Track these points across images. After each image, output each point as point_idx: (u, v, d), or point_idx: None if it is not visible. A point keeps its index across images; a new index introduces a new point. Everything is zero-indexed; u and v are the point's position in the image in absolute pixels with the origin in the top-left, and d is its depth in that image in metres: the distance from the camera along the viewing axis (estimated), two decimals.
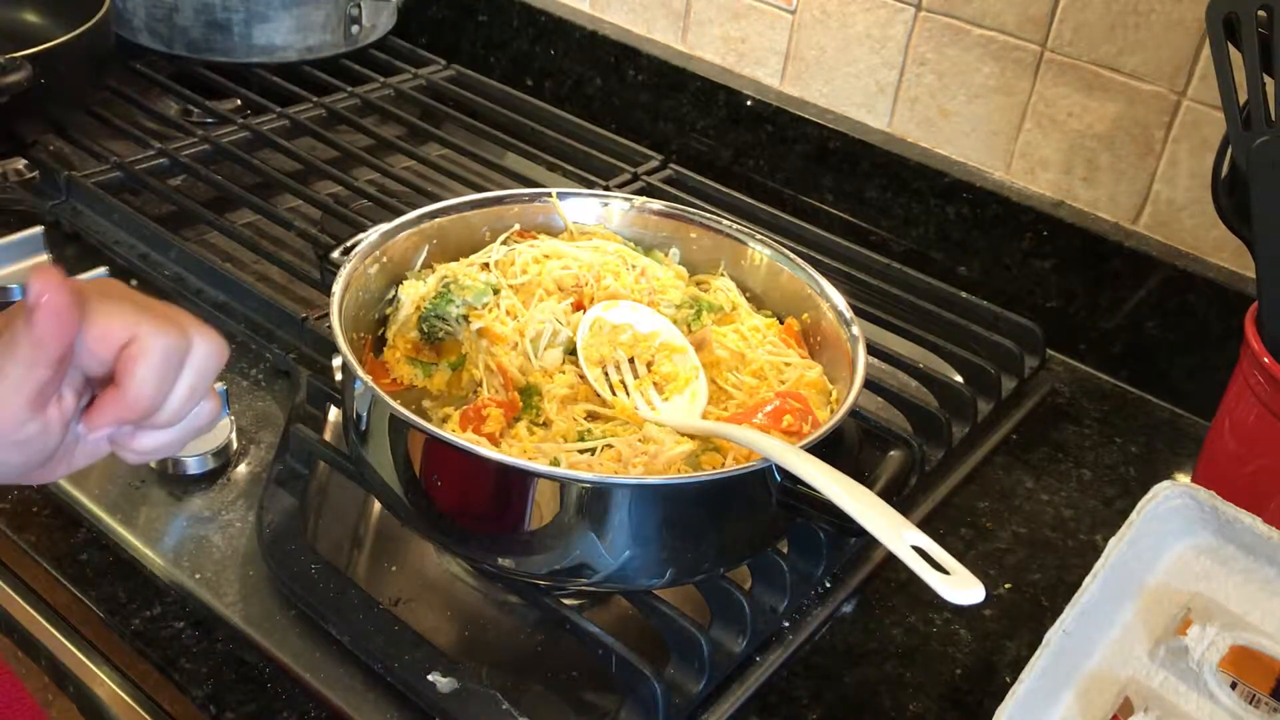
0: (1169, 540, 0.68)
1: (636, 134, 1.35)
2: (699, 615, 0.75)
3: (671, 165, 1.26)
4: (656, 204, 0.93)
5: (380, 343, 0.84)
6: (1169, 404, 1.07)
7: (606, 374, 0.80)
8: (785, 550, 0.81)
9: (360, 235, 0.84)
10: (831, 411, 0.78)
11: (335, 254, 0.83)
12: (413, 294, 0.84)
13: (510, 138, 1.28)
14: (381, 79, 1.36)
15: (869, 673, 0.77)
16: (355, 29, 1.37)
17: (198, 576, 0.77)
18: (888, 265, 1.12)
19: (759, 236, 0.91)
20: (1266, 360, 0.77)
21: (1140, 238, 1.09)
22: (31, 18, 1.27)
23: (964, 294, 1.09)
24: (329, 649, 0.73)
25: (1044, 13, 1.08)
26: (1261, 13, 0.75)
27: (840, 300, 0.84)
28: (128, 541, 0.79)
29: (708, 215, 0.93)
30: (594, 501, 0.68)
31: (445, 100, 1.36)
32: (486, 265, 0.86)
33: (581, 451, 0.73)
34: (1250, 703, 0.63)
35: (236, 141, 1.21)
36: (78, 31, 1.11)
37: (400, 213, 0.88)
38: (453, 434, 0.73)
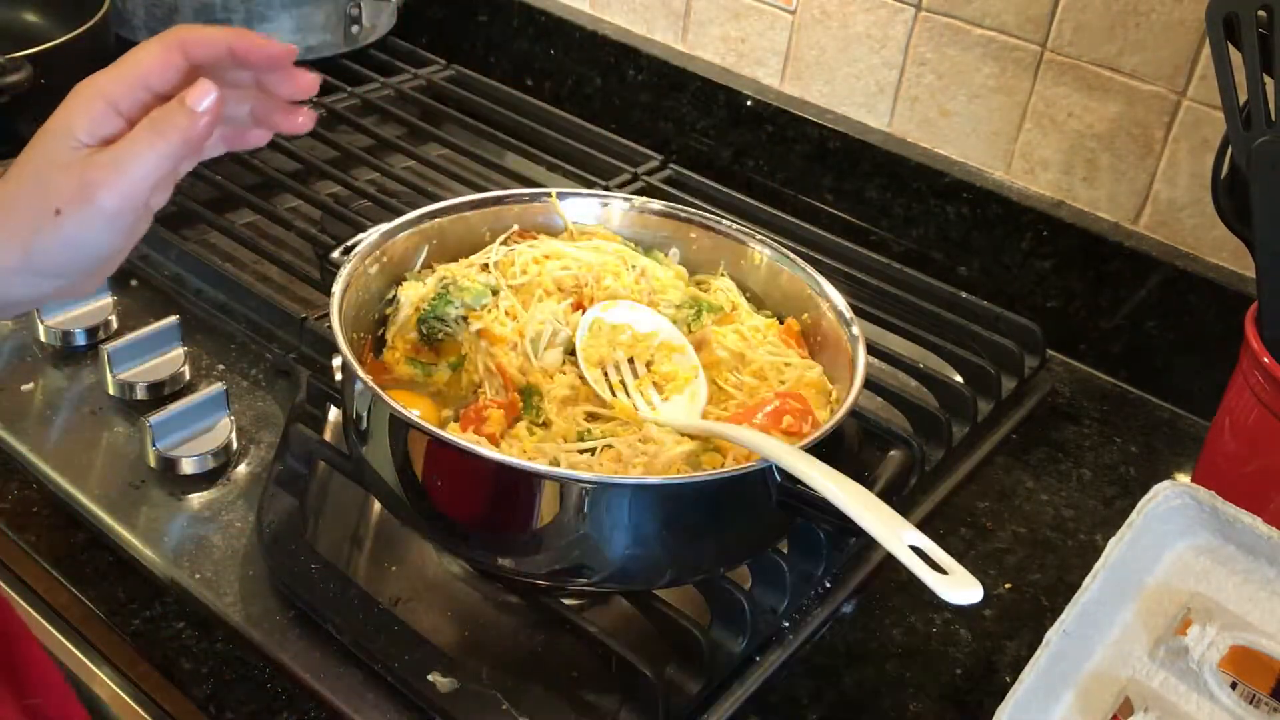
0: (1169, 540, 0.68)
1: (636, 134, 1.35)
2: (699, 615, 0.75)
3: (671, 165, 1.26)
4: (656, 204, 0.93)
5: (380, 343, 0.84)
6: (1169, 404, 1.07)
7: (606, 374, 0.80)
8: (785, 550, 0.81)
9: (360, 235, 0.84)
10: (831, 411, 0.78)
11: (335, 254, 0.83)
12: (411, 295, 0.84)
13: (510, 138, 1.28)
14: (381, 79, 1.36)
15: (869, 673, 0.77)
16: (355, 29, 1.37)
17: (198, 576, 0.77)
18: (888, 265, 1.12)
19: (759, 236, 0.91)
20: (1266, 360, 0.77)
21: (1140, 238, 1.09)
22: (31, 18, 1.27)
23: (964, 294, 1.09)
24: (329, 649, 0.73)
25: (1044, 13, 1.08)
26: (1261, 13, 0.75)
27: (840, 300, 0.84)
28: (128, 541, 0.79)
29: (708, 215, 0.93)
30: (594, 501, 0.68)
31: (445, 100, 1.36)
32: (486, 266, 0.86)
33: (581, 451, 0.73)
34: (1250, 703, 0.63)
35: None
36: (78, 31, 1.11)
37: (400, 213, 0.88)
38: (453, 434, 0.73)
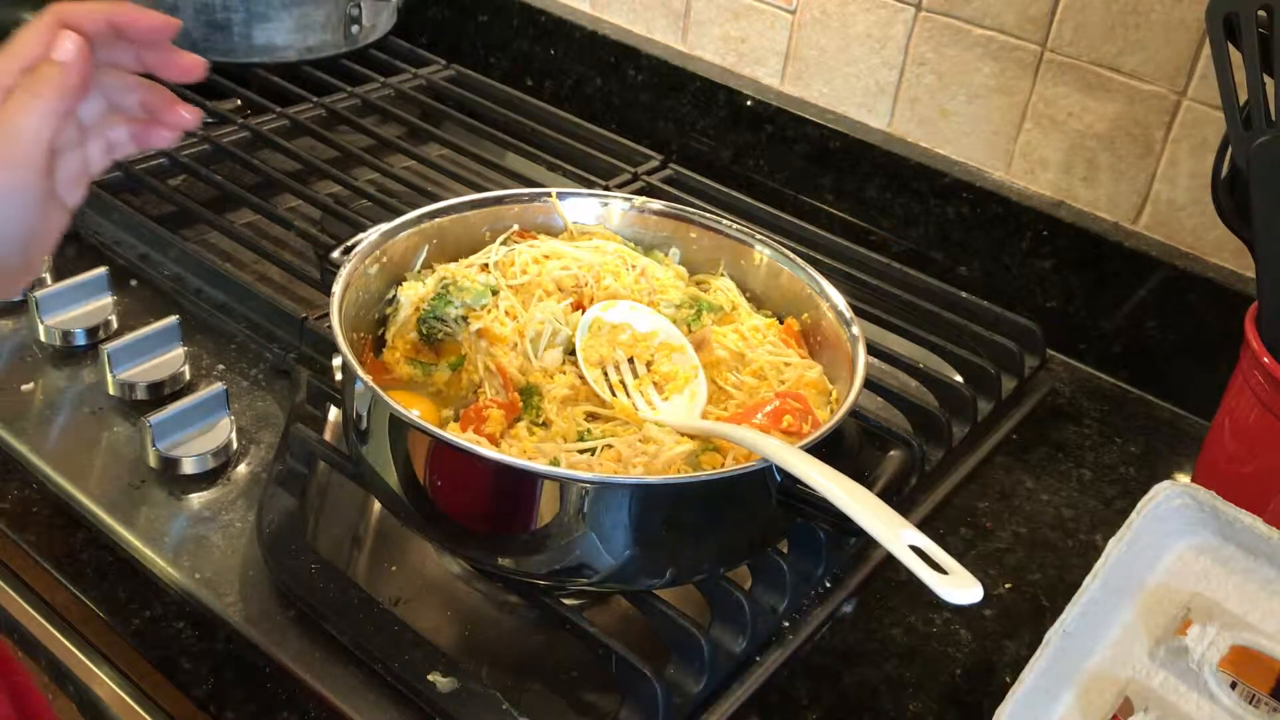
0: (1169, 540, 0.68)
1: (636, 134, 1.35)
2: (699, 615, 0.75)
3: (671, 165, 1.26)
4: (656, 204, 0.94)
5: (380, 343, 0.84)
6: (1169, 404, 1.07)
7: (606, 374, 0.80)
8: (785, 550, 0.81)
9: (360, 235, 0.84)
10: (831, 411, 0.78)
11: (335, 254, 0.83)
12: (411, 295, 0.84)
13: (510, 138, 1.28)
14: (381, 79, 1.36)
15: (869, 673, 0.77)
16: (355, 29, 1.37)
17: (198, 576, 0.77)
18: (888, 265, 1.12)
19: (759, 236, 0.91)
20: (1266, 360, 0.77)
21: (1140, 238, 1.09)
22: (31, 18, 1.27)
23: (964, 294, 1.09)
24: (329, 649, 0.73)
25: (1044, 13, 1.08)
26: (1261, 13, 0.75)
27: (840, 300, 0.84)
28: (128, 541, 0.79)
29: (708, 215, 0.93)
30: (594, 501, 0.68)
31: (445, 100, 1.36)
32: (486, 266, 0.86)
33: (581, 451, 0.73)
34: (1250, 703, 0.63)
35: (236, 141, 1.21)
36: None
37: (400, 213, 0.88)
38: (453, 434, 0.73)
